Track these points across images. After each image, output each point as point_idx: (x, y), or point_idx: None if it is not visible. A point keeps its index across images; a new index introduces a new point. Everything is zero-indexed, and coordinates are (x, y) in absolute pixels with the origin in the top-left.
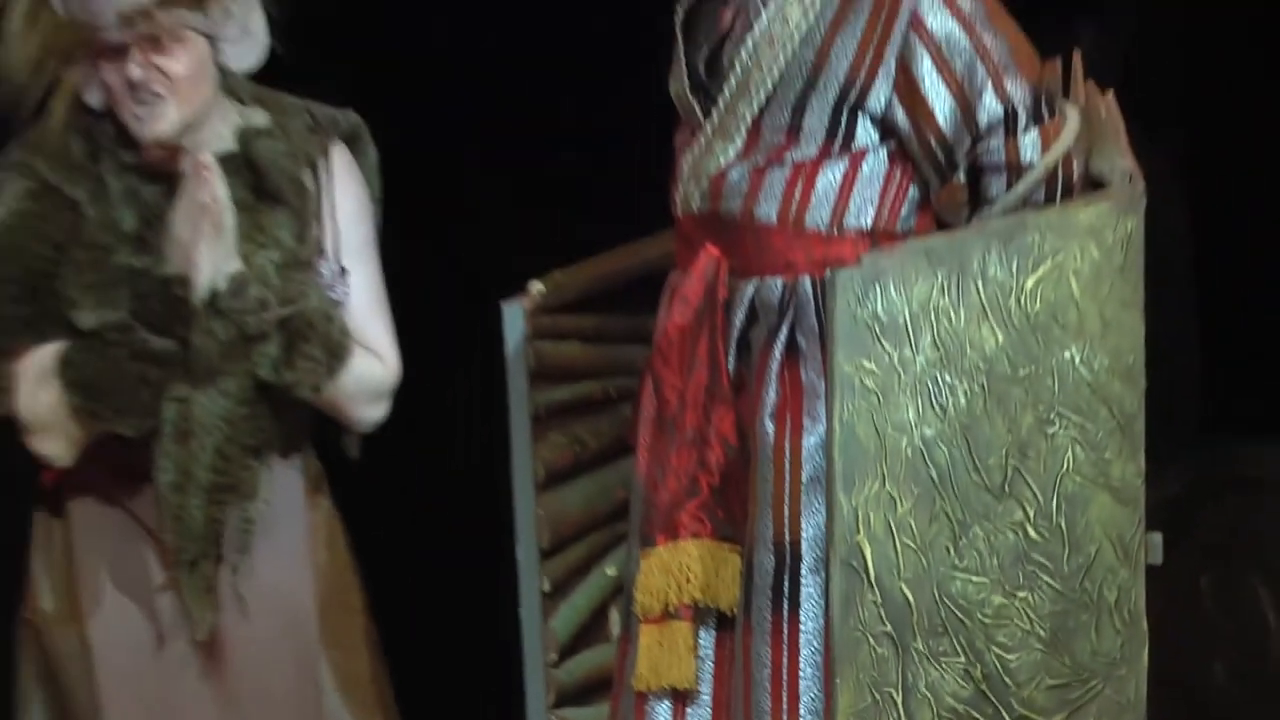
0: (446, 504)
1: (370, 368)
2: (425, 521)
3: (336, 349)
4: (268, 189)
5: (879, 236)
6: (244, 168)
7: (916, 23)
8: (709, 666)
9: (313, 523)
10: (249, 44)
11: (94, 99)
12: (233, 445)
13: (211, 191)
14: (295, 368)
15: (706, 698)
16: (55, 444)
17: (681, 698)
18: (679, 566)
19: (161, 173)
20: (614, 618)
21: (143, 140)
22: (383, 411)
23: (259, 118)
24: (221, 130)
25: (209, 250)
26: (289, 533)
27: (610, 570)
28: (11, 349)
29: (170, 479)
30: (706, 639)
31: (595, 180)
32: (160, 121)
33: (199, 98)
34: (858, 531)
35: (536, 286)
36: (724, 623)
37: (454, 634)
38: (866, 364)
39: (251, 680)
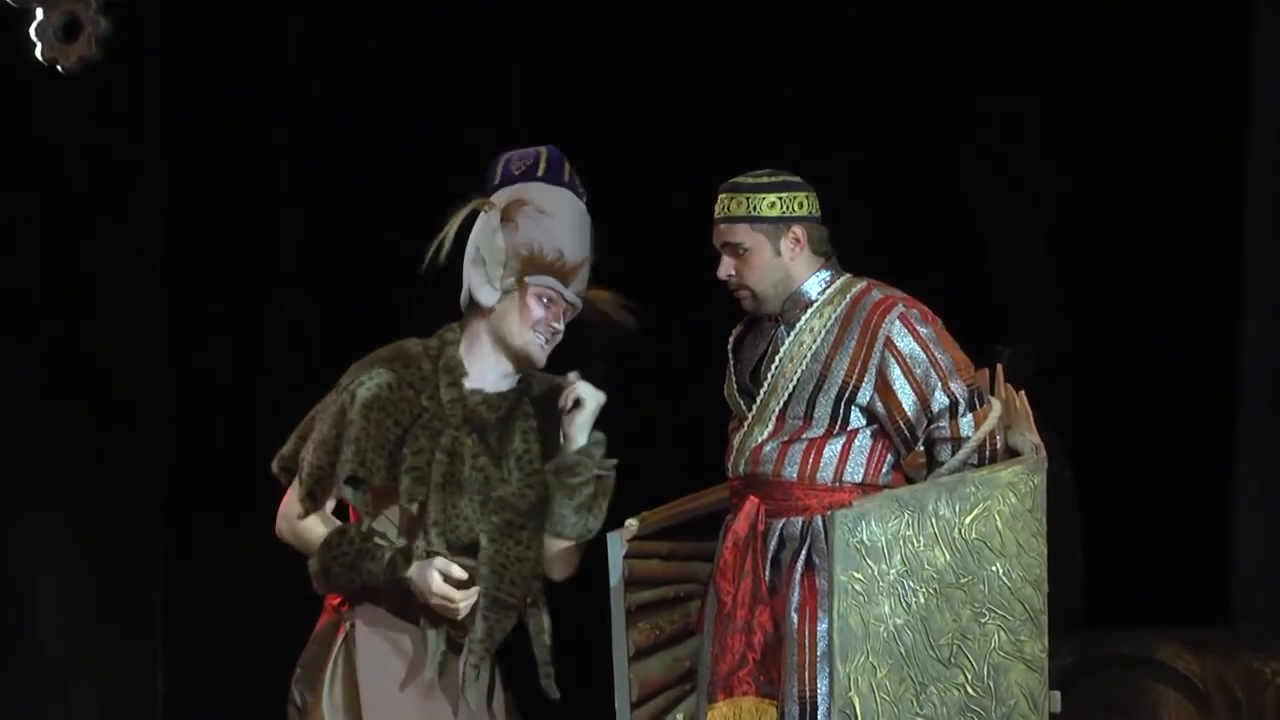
0: (569, 666)
1: None
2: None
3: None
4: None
5: (867, 488)
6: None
7: (889, 344)
8: None
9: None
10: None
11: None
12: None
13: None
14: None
15: None
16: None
17: None
18: (735, 716)
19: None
20: None
21: (538, 363)
22: None
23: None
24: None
25: None
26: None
27: (679, 716)
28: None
29: (486, 602)
30: None
31: None
32: (545, 354)
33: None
34: (850, 690)
35: (631, 522)
36: None
37: None
38: (856, 575)
39: None
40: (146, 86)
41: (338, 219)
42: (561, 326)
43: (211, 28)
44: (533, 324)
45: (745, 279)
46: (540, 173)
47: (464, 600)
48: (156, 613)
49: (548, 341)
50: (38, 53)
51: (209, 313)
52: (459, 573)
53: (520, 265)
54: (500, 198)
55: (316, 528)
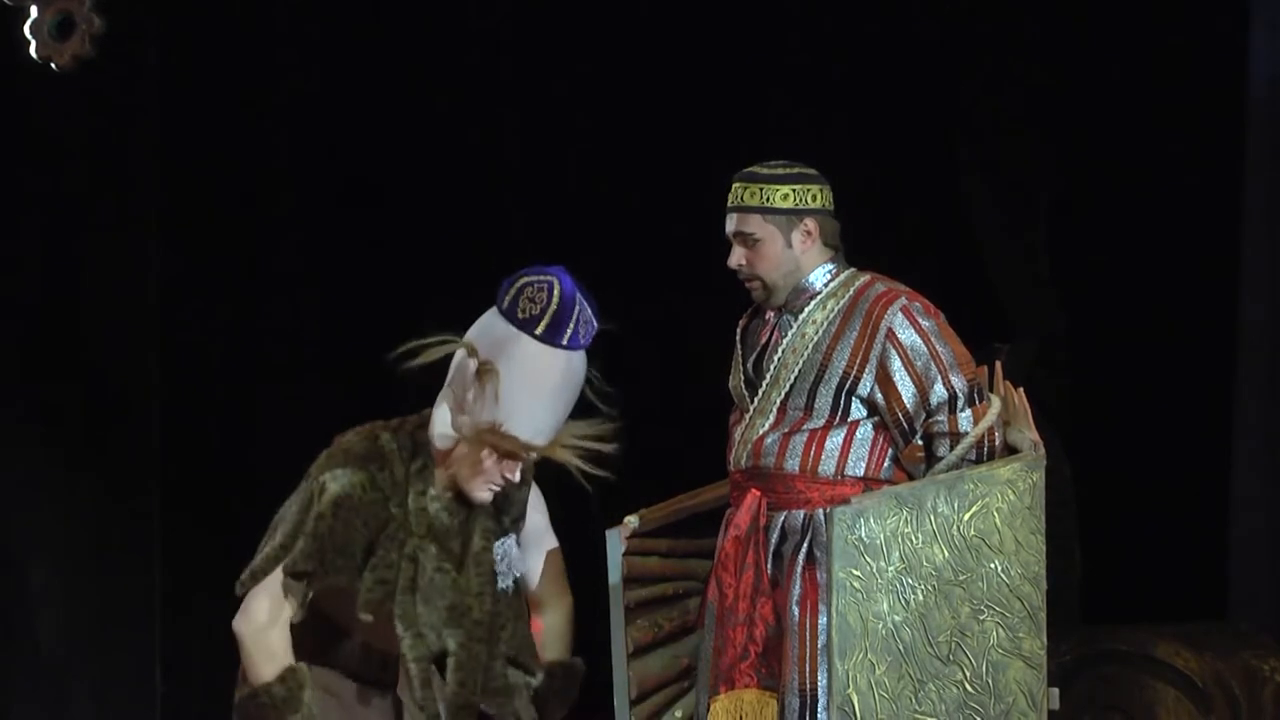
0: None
1: None
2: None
3: None
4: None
5: (869, 482)
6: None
7: (891, 335)
8: None
9: None
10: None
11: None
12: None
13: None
14: None
15: None
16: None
17: None
18: (736, 708)
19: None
20: None
21: (477, 500)
22: None
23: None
24: None
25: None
26: None
27: (678, 713)
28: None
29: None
30: None
31: None
32: (491, 496)
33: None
34: (848, 686)
35: (630, 519)
36: None
37: None
38: (855, 572)
39: None
40: (142, 85)
41: (337, 219)
42: (515, 476)
43: (208, 26)
44: (484, 477)
45: (756, 269)
46: (539, 330)
47: None
48: (154, 612)
49: (497, 487)
50: (32, 51)
51: (207, 312)
52: None
53: (482, 431)
54: (484, 346)
55: (277, 645)
